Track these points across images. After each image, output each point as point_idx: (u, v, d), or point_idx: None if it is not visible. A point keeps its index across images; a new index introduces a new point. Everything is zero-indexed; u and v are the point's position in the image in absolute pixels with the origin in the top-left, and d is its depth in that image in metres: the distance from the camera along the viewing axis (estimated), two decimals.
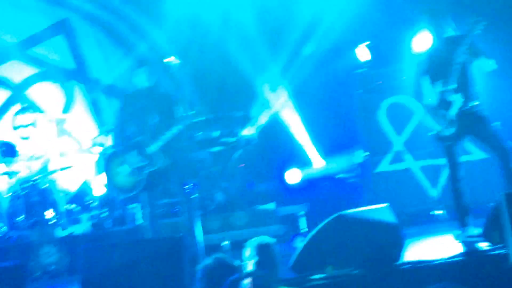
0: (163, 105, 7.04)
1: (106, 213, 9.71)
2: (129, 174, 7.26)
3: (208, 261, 3.88)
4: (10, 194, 9.43)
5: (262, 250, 5.33)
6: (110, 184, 7.45)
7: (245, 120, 10.24)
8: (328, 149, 10.62)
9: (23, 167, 9.82)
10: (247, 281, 3.07)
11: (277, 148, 10.87)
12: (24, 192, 9.31)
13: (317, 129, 10.70)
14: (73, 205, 10.28)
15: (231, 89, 10.80)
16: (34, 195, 9.19)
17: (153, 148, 7.14)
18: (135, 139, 7.22)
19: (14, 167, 9.60)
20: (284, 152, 10.80)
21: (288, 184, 10.70)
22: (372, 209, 6.19)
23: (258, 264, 4.69)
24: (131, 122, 7.25)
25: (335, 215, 5.70)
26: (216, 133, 10.24)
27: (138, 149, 7.14)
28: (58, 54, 11.73)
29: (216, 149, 10.16)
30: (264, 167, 10.84)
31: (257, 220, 9.42)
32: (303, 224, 9.54)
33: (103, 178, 10.47)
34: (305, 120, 10.75)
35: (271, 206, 9.70)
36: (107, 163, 7.48)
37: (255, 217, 9.46)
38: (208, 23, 11.14)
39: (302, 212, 9.64)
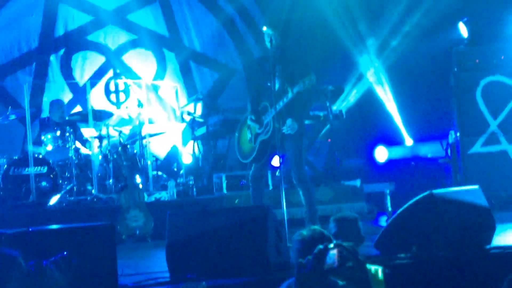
0: (286, 71, 6.90)
1: (192, 181, 9.82)
2: (248, 140, 7.27)
3: (305, 232, 3.83)
4: (101, 157, 9.68)
5: (347, 225, 5.26)
6: (235, 149, 7.54)
7: (337, 94, 10.10)
8: (420, 128, 10.38)
9: (115, 132, 10.05)
10: (334, 251, 3.01)
11: (367, 124, 10.69)
12: (114, 157, 9.53)
13: (410, 107, 10.46)
14: (160, 172, 10.46)
15: (325, 61, 10.66)
16: (123, 159, 9.37)
17: (268, 116, 7.05)
18: (258, 105, 7.17)
19: (105, 131, 9.83)
20: (374, 129, 10.62)
21: (375, 162, 10.54)
22: (463, 190, 6.01)
23: (342, 239, 4.62)
24: (257, 88, 7.20)
25: (425, 193, 5.54)
26: None
27: (256, 116, 7.10)
28: (153, 21, 11.87)
29: (306, 122, 10.07)
30: (351, 143, 10.70)
31: (341, 196, 9.33)
32: (388, 203, 9.39)
33: (190, 146, 10.61)
34: (398, 98, 10.52)
35: (356, 182, 9.58)
36: (238, 127, 7.54)
37: (340, 192, 9.37)
38: None
39: (388, 191, 9.48)
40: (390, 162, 10.43)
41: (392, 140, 10.55)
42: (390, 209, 9.15)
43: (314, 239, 3.70)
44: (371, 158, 10.55)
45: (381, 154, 10.59)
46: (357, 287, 3.08)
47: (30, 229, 4.25)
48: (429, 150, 10.18)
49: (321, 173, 10.00)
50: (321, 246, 3.10)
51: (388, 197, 9.37)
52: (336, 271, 3.05)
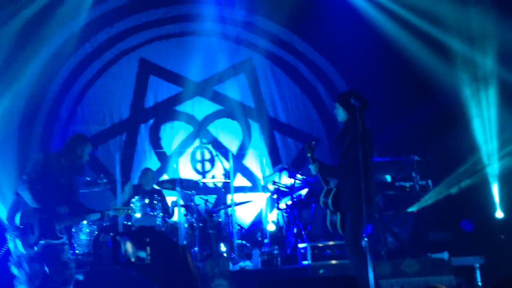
0: (363, 142, 6.95)
1: (276, 251, 9.79)
2: None
3: None
4: (187, 225, 9.80)
5: None
6: None
7: (423, 165, 9.99)
8: None
9: (201, 200, 10.19)
10: None
11: (454, 195, 10.50)
12: (200, 225, 9.64)
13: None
14: (245, 241, 10.49)
15: (413, 132, 10.69)
16: (209, 227, 9.46)
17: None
18: None
19: (192, 200, 9.99)
20: (461, 199, 10.42)
21: (463, 234, 10.29)
22: None
23: None
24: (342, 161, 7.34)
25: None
26: (390, 177, 10.06)
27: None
28: (239, 92, 12.15)
29: (391, 192, 9.98)
30: (438, 215, 10.50)
31: (428, 269, 9.11)
32: (478, 277, 9.12)
33: (274, 215, 10.64)
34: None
35: (444, 255, 9.35)
36: None
37: (426, 265, 9.16)
38: None
39: (478, 265, 9.22)
40: (479, 234, 10.15)
41: (480, 211, 10.32)
42: (480, 283, 8.88)
43: None
44: (459, 230, 10.31)
45: (469, 226, 10.35)
46: None
47: None
48: None
49: (406, 244, 9.83)
50: None
51: (478, 271, 9.12)
52: None
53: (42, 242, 6.90)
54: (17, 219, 6.89)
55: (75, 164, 7.23)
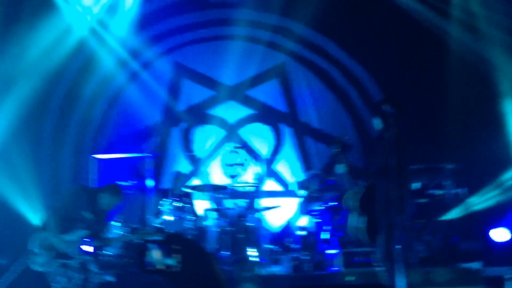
0: (397, 149, 6.94)
1: (307, 256, 9.77)
2: None
3: None
4: (218, 230, 9.81)
5: None
6: None
7: (457, 174, 9.92)
8: None
9: (232, 204, 10.21)
10: None
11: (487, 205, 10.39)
12: (231, 229, 9.65)
13: None
14: (275, 246, 10.48)
15: (445, 140, 10.58)
16: (240, 232, 9.49)
17: None
18: None
19: (223, 204, 10.01)
20: (493, 208, 10.30)
21: (495, 244, 10.16)
22: None
23: None
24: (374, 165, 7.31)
25: None
26: (419, 184, 9.98)
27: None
28: (271, 97, 12.16)
29: (422, 200, 9.91)
30: (469, 224, 10.40)
31: (459, 279, 9.02)
32: None
33: (305, 220, 10.61)
34: None
35: (475, 265, 9.25)
36: None
37: (458, 275, 9.07)
38: None
39: (510, 275, 9.10)
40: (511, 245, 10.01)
41: None
42: None
43: None
44: (491, 240, 10.18)
45: (501, 235, 10.22)
46: None
47: None
48: None
49: (438, 253, 9.75)
50: None
51: (509, 283, 9.00)
52: None
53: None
54: (29, 242, 7.34)
55: (97, 207, 7.62)
